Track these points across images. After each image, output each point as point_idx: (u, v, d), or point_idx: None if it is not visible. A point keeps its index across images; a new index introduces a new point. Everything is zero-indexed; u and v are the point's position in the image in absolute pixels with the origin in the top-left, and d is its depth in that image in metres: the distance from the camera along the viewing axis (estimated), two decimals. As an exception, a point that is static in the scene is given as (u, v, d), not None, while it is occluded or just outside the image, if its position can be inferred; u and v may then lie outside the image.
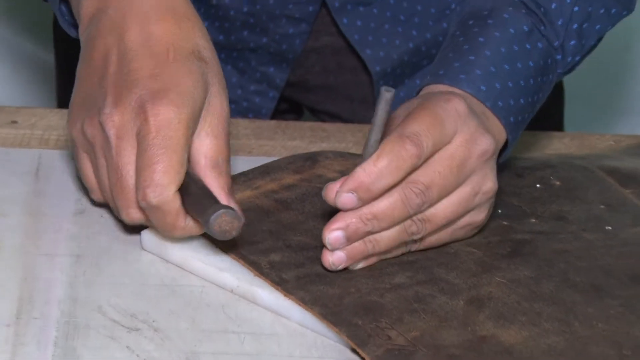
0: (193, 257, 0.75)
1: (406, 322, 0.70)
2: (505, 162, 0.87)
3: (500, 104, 0.79)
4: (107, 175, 0.75)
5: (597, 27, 0.85)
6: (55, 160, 0.85)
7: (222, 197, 0.74)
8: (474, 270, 0.75)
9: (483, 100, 0.79)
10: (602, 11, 0.85)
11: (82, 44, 0.78)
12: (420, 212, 0.74)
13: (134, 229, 0.77)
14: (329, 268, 0.74)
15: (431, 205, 0.74)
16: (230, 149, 0.76)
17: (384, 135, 0.74)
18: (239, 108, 1.03)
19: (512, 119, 0.80)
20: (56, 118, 0.91)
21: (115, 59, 0.75)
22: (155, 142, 0.72)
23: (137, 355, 0.67)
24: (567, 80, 1.14)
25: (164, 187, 0.72)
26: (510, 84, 0.80)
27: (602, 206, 0.84)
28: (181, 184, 0.73)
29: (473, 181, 0.75)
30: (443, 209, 0.75)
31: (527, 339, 0.70)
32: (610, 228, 0.82)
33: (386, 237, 0.74)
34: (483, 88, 0.79)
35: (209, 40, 0.78)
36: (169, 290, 0.74)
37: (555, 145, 0.96)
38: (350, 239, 0.73)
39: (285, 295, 0.72)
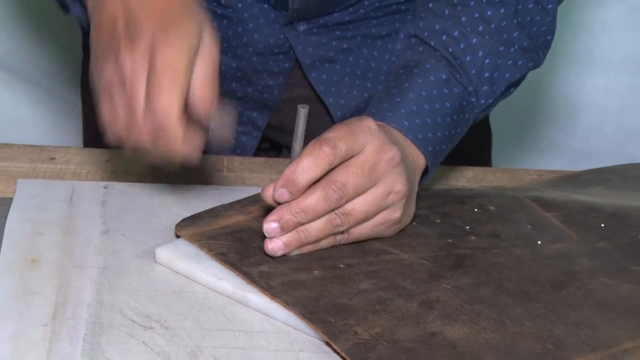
0: (197, 268, 0.74)
1: (370, 321, 0.69)
2: (450, 192, 0.87)
3: (420, 136, 0.81)
4: (123, 112, 0.74)
5: (507, 75, 0.86)
6: (86, 190, 0.84)
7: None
8: (425, 278, 0.75)
9: (405, 133, 0.81)
10: (510, 62, 0.86)
11: (90, 16, 0.77)
12: (341, 206, 0.75)
13: (150, 248, 0.76)
14: (269, 254, 0.75)
15: (348, 200, 0.75)
16: (218, 87, 0.75)
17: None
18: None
19: (430, 148, 0.82)
20: (87, 155, 0.90)
21: (122, 20, 0.74)
22: (162, 71, 0.71)
23: (152, 350, 0.67)
24: (494, 124, 1.14)
25: (169, 105, 0.71)
26: (429, 120, 0.82)
27: (528, 226, 0.84)
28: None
29: (385, 183, 0.76)
30: (360, 204, 0.75)
31: (469, 334, 0.69)
32: (539, 243, 0.82)
33: (315, 228, 0.75)
34: (406, 123, 0.81)
35: (203, 5, 0.77)
36: (177, 295, 0.73)
37: (490, 179, 0.95)
38: (284, 229, 0.74)
39: (272, 298, 0.71)
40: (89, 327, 0.68)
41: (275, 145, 1.10)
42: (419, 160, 0.81)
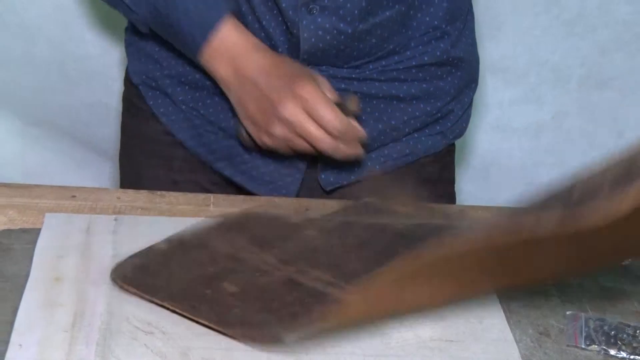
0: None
1: None
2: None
3: None
4: (305, 144, 0.83)
5: None
6: (100, 222, 0.83)
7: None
8: None
9: None
10: None
11: (231, 95, 0.87)
12: None
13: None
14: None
15: None
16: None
17: None
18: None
19: None
20: (101, 194, 0.89)
21: (265, 88, 0.83)
22: (316, 105, 0.80)
23: (151, 351, 0.66)
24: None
25: (337, 117, 0.81)
26: None
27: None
28: None
29: None
30: None
31: None
32: None
33: None
34: None
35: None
36: (173, 307, 0.72)
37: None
38: None
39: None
40: (101, 333, 0.67)
41: None
42: None
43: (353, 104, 0.84)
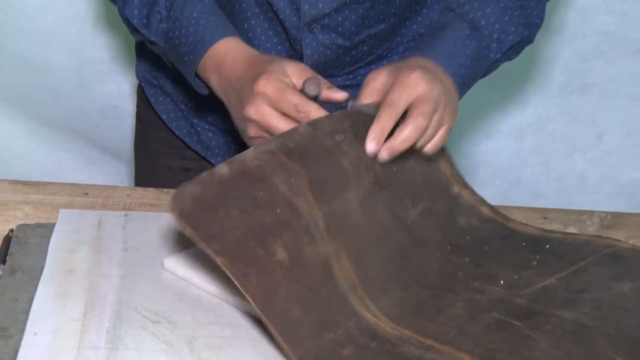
0: (194, 275, 0.74)
1: None
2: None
3: (450, 71, 0.84)
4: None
5: (510, 37, 0.89)
6: (110, 218, 0.83)
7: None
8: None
9: (443, 68, 0.84)
10: (512, 29, 0.89)
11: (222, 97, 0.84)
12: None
13: (158, 262, 0.75)
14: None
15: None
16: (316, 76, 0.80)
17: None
18: None
19: (460, 80, 0.85)
20: (111, 192, 0.89)
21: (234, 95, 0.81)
22: (277, 100, 0.77)
23: (159, 339, 0.66)
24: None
25: (302, 108, 0.77)
26: (456, 61, 0.85)
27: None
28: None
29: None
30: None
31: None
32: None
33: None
34: (442, 60, 0.84)
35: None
36: (179, 297, 0.72)
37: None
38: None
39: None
40: (111, 322, 0.67)
41: None
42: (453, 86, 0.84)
43: (312, 86, 0.78)
